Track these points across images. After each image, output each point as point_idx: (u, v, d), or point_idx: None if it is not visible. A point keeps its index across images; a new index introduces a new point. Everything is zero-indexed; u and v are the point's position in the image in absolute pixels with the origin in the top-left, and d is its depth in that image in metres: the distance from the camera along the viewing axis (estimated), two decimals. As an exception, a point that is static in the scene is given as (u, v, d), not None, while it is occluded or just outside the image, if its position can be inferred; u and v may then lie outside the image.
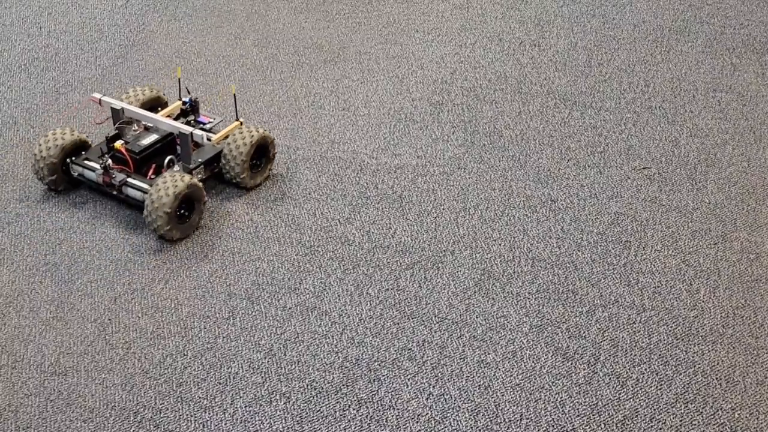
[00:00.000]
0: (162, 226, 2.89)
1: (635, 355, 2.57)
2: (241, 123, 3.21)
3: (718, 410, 2.41)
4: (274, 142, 3.18)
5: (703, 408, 2.42)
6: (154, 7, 4.35)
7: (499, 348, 2.59)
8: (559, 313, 2.70)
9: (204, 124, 3.24)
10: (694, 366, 2.54)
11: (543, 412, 2.41)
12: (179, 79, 3.34)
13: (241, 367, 2.55)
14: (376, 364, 2.55)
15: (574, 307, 2.72)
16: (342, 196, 3.17)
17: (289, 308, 2.73)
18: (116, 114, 3.16)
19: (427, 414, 2.41)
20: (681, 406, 2.43)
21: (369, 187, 3.21)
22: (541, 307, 2.72)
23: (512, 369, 2.53)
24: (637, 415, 2.40)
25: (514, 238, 2.98)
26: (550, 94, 3.71)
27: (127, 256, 2.92)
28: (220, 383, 2.50)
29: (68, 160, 3.11)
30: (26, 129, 3.53)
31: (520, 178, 3.24)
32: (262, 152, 3.17)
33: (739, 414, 2.40)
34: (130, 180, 3.00)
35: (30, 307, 2.75)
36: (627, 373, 2.51)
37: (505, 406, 2.43)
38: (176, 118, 3.24)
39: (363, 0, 4.40)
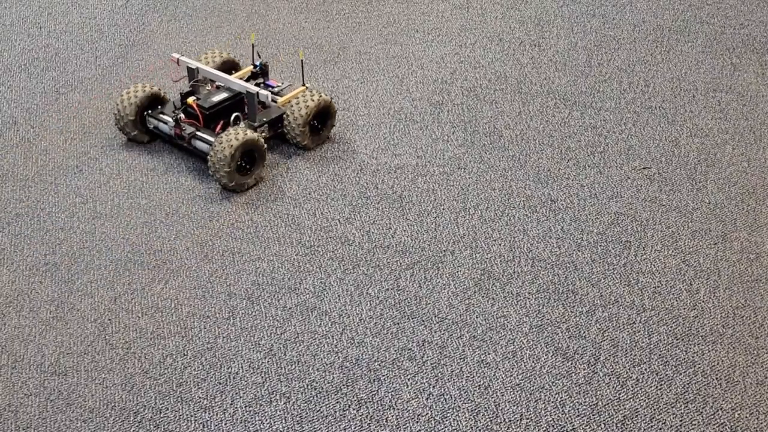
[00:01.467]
0: (223, 175, 3.09)
1: (635, 355, 2.57)
2: (307, 88, 3.39)
3: (718, 410, 2.41)
4: (334, 107, 3.37)
5: (703, 408, 2.42)
6: (154, 7, 4.35)
7: (499, 348, 2.59)
8: (559, 313, 2.70)
9: (272, 87, 3.44)
10: (694, 366, 2.54)
11: (543, 412, 2.41)
12: (252, 45, 3.56)
13: (241, 367, 2.55)
14: (376, 364, 2.55)
15: (574, 307, 2.72)
16: (342, 196, 3.17)
17: (289, 308, 2.73)
18: (191, 73, 3.41)
19: (427, 414, 2.41)
20: (681, 406, 2.43)
21: (369, 187, 3.21)
22: (541, 307, 2.72)
23: (512, 369, 2.53)
24: (637, 415, 2.40)
25: (514, 238, 2.98)
26: (550, 94, 3.71)
27: (127, 256, 2.92)
28: (220, 383, 2.50)
29: (145, 113, 3.34)
30: (26, 129, 3.53)
31: (520, 178, 3.24)
32: (323, 116, 3.35)
33: (739, 414, 2.40)
34: (198, 133, 3.23)
35: (30, 307, 2.75)
36: (627, 373, 2.51)
37: (505, 406, 2.43)
38: (247, 81, 3.45)
39: (363, 0, 4.40)
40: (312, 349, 2.60)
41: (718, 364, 2.54)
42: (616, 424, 2.39)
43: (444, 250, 2.93)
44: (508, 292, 2.77)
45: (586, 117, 3.57)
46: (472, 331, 2.64)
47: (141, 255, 2.93)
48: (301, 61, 3.44)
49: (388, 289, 2.79)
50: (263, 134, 3.29)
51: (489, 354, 2.57)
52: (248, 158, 3.14)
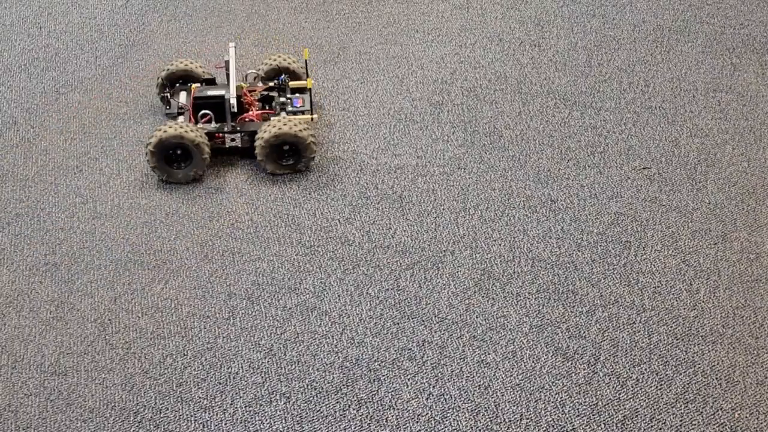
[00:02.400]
0: (149, 163, 3.17)
1: (635, 355, 2.57)
2: (312, 119, 3.35)
3: (718, 410, 2.42)
4: (311, 144, 3.21)
5: (703, 408, 2.42)
6: (154, 7, 4.35)
7: (499, 348, 2.59)
8: (559, 313, 2.70)
9: (296, 106, 3.43)
10: (694, 366, 2.54)
11: (543, 412, 2.41)
12: (306, 61, 3.50)
13: (241, 367, 2.55)
14: (376, 364, 2.55)
15: (574, 307, 2.72)
16: (342, 196, 3.17)
17: (289, 308, 2.73)
18: (227, 64, 3.45)
19: (427, 414, 2.41)
20: (681, 406, 2.43)
21: (369, 187, 3.21)
22: (541, 307, 2.72)
23: (512, 369, 2.53)
24: (637, 415, 2.40)
25: (514, 238, 2.98)
26: (550, 94, 3.71)
27: (127, 256, 2.92)
28: (220, 383, 2.51)
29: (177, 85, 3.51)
30: (26, 129, 3.53)
31: (520, 178, 3.24)
32: (294, 149, 3.24)
33: (739, 414, 2.41)
34: (178, 118, 3.35)
35: (30, 307, 2.75)
36: (627, 373, 2.52)
37: (505, 406, 2.43)
38: (268, 91, 3.45)
39: (363, 0, 4.40)
40: (312, 349, 2.60)
41: (718, 364, 2.54)
42: (616, 424, 2.39)
43: (444, 250, 2.93)
44: (508, 292, 2.77)
45: (586, 117, 3.57)
46: (472, 331, 2.64)
47: (141, 255, 2.93)
48: (309, 90, 3.37)
49: (388, 289, 2.79)
50: (234, 143, 3.30)
51: (489, 354, 2.57)
52: (183, 154, 3.17)
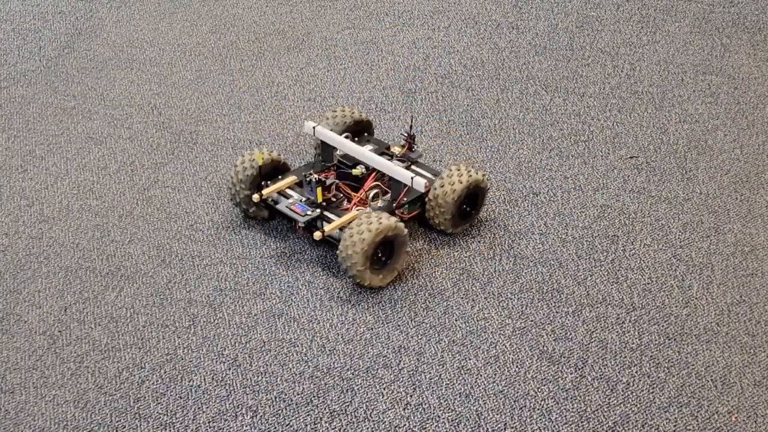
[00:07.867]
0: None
1: (625, 356, 2.58)
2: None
3: (713, 414, 2.44)
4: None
5: (698, 411, 2.44)
6: (102, -8, 4.33)
7: (481, 352, 2.60)
8: (543, 314, 2.71)
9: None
10: (688, 367, 2.56)
11: (528, 420, 2.42)
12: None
13: (204, 379, 2.54)
14: (348, 372, 2.55)
15: (559, 307, 2.74)
16: (309, 193, 3.16)
17: (255, 315, 2.73)
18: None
19: (405, 425, 2.42)
20: (674, 410, 2.45)
21: (338, 182, 3.21)
22: (524, 308, 2.73)
23: (495, 375, 2.54)
24: (628, 421, 2.42)
25: (494, 234, 2.99)
26: (530, 80, 3.72)
27: (77, 262, 2.91)
28: (181, 397, 2.50)
29: None
30: (-35, 127, 3.50)
31: (500, 170, 3.25)
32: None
33: (736, 417, 2.43)
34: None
35: (-27, 319, 2.73)
36: (617, 376, 2.53)
37: (488, 415, 2.44)
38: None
39: (328, -18, 4.39)
40: (280, 359, 2.59)
41: (712, 364, 2.56)
42: (606, 430, 2.40)
43: (420, 249, 2.94)
44: (489, 293, 2.78)
45: (568, 104, 3.59)
46: (452, 335, 2.65)
47: (93, 261, 2.91)
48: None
49: (360, 292, 2.79)
50: None
51: (470, 359, 2.58)
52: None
